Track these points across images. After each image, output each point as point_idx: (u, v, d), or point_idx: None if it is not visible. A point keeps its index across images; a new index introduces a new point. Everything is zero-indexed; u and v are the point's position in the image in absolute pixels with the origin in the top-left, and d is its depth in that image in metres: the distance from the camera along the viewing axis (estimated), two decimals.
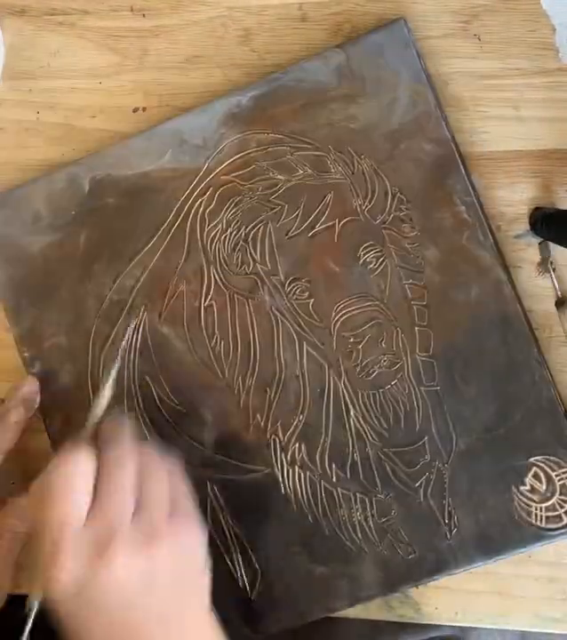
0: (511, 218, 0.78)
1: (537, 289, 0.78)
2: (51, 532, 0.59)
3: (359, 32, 0.80)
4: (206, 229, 0.79)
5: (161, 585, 0.62)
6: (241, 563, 0.78)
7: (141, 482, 0.63)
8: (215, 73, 0.84)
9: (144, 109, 0.84)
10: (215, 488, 0.79)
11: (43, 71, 0.87)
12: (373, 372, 0.76)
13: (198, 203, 0.79)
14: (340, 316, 0.76)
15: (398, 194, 0.77)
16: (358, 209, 0.77)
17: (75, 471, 0.61)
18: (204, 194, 0.79)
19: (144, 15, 0.85)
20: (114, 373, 0.71)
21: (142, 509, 0.62)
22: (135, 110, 0.85)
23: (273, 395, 0.78)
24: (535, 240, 0.78)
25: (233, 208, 0.78)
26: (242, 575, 0.79)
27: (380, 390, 0.76)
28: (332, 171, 0.77)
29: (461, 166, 0.76)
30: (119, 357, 0.78)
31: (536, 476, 0.74)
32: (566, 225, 0.73)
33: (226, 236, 0.78)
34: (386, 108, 0.78)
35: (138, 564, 0.60)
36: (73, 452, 0.62)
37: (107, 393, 0.69)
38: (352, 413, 0.76)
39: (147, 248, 0.80)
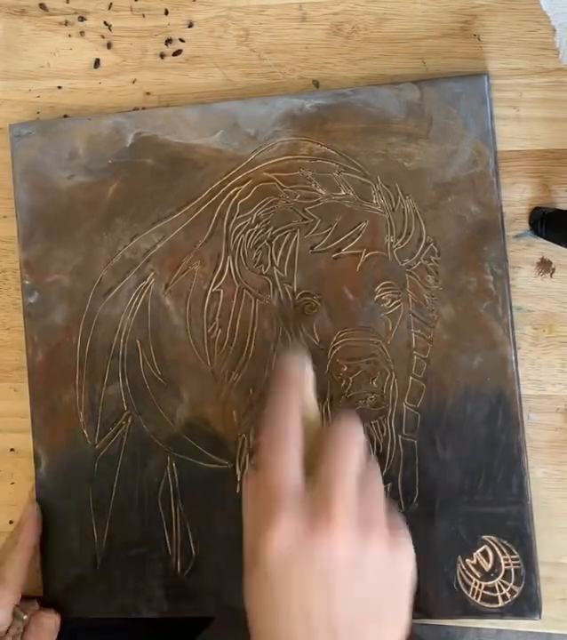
0: (511, 218, 0.78)
1: (537, 289, 0.78)
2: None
3: (360, 34, 0.81)
4: (234, 218, 0.78)
5: (365, 586, 0.55)
6: (179, 543, 0.79)
7: (361, 473, 0.58)
8: (215, 73, 0.83)
9: (143, 109, 0.84)
10: (174, 465, 0.80)
11: (43, 71, 0.86)
12: (356, 406, 0.76)
13: (234, 190, 0.79)
14: (340, 343, 0.76)
15: (432, 244, 0.76)
16: (388, 246, 0.77)
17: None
18: (242, 184, 0.78)
19: (144, 15, 0.84)
20: None
21: (360, 496, 0.56)
22: (135, 110, 0.84)
23: (255, 396, 0.78)
24: (535, 240, 0.78)
25: (266, 207, 0.78)
26: (176, 554, 0.79)
27: None
28: (374, 201, 0.77)
29: (502, 238, 0.76)
30: None
31: (484, 554, 0.75)
32: (566, 225, 0.74)
33: (252, 232, 0.78)
34: (444, 157, 0.77)
35: (351, 546, 0.54)
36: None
37: None
38: None
39: (171, 218, 0.80)
